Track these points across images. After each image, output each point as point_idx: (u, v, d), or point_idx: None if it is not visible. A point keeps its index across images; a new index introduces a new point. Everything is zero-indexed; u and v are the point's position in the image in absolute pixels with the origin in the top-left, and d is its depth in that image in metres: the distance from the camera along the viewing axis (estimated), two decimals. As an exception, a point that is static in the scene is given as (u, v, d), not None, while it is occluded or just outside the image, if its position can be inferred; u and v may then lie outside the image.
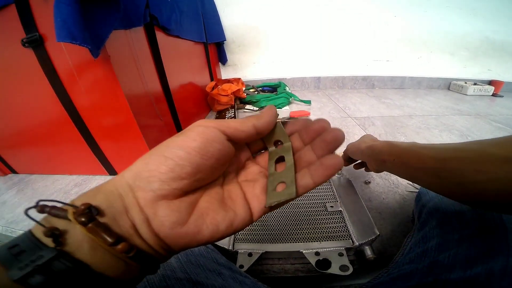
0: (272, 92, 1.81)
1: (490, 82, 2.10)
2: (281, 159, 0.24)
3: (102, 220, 0.16)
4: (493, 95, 2.01)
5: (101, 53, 0.54)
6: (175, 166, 0.18)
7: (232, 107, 1.50)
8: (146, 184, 0.18)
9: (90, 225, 0.15)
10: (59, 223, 0.16)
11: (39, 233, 0.15)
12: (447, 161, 0.31)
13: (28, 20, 0.59)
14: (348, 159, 0.62)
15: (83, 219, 0.15)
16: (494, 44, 2.02)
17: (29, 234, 0.16)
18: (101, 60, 0.58)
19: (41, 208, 0.16)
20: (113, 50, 0.60)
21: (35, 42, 0.60)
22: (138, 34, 0.77)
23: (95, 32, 0.49)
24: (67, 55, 0.60)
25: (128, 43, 0.69)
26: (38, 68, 0.65)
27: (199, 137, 0.19)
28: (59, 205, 0.17)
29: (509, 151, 0.25)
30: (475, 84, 2.04)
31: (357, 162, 0.64)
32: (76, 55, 0.60)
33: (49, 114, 0.76)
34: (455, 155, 0.30)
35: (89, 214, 0.15)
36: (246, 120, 0.22)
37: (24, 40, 0.60)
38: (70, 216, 0.15)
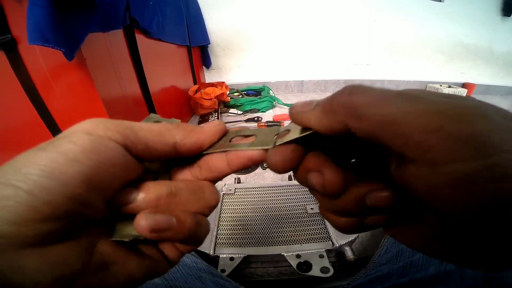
0: (256, 95, 1.82)
1: (464, 85, 2.21)
2: None
3: None
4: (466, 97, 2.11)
5: (77, 56, 0.53)
6: (37, 203, 0.11)
7: (216, 111, 1.49)
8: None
9: None
10: None
11: None
12: None
13: (0, 22, 0.56)
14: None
15: None
16: (467, 48, 2.12)
17: None
18: (76, 63, 0.57)
19: None
20: (89, 53, 0.59)
21: (7, 45, 0.58)
22: (117, 36, 0.76)
23: (70, 35, 0.48)
24: (40, 58, 0.58)
25: (106, 45, 0.67)
26: (10, 71, 0.62)
27: (84, 157, 0.12)
28: None
29: None
30: (449, 86, 2.13)
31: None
32: (50, 58, 0.58)
33: (21, 119, 0.72)
34: None
35: None
36: (166, 130, 0.15)
37: (-5, 42, 0.57)
38: None
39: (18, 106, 0.68)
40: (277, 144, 0.15)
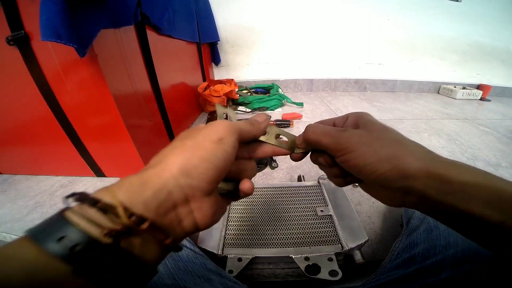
0: (265, 93, 1.81)
1: (479, 86, 2.15)
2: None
3: (148, 220, 0.17)
4: (481, 99, 2.05)
5: (88, 52, 0.53)
6: (216, 170, 0.21)
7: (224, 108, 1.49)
8: (197, 183, 0.20)
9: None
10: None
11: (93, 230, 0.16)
12: None
13: (13, 18, 0.57)
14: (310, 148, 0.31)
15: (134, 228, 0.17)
16: (482, 49, 2.06)
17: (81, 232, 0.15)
18: (88, 59, 0.57)
19: (89, 202, 0.16)
20: (101, 49, 0.59)
21: (21, 40, 0.58)
22: (128, 33, 0.76)
23: (82, 31, 0.48)
24: (53, 54, 0.58)
25: (117, 42, 0.67)
26: (23, 66, 0.63)
27: (229, 148, 0.22)
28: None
29: None
30: (464, 88, 2.08)
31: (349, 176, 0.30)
32: (62, 54, 0.58)
33: (34, 114, 0.73)
34: None
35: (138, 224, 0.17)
36: (255, 122, 0.27)
37: (9, 38, 0.58)
38: (124, 219, 0.16)
39: (31, 101, 0.70)
40: (296, 151, 0.31)
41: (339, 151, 0.25)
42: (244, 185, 0.26)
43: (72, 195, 0.16)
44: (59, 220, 0.16)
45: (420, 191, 0.21)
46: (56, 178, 0.90)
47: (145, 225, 0.17)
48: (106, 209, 0.16)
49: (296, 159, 0.31)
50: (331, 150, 0.26)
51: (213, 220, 0.22)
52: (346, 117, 0.29)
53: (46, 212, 0.73)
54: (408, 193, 0.22)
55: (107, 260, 0.15)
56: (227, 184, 0.26)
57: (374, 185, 0.26)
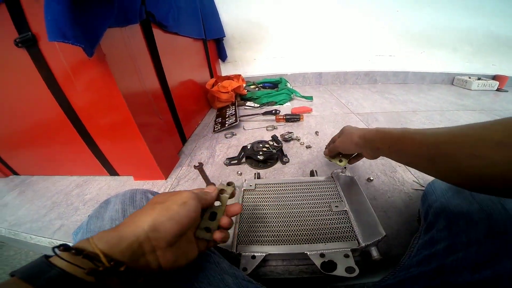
0: (273, 88, 1.79)
1: (494, 77, 2.07)
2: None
3: (125, 264, 0.23)
4: (498, 90, 1.97)
5: (96, 51, 0.53)
6: (179, 226, 0.28)
7: (233, 104, 1.48)
8: (163, 236, 0.27)
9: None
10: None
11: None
12: (441, 146, 0.31)
13: (19, 20, 0.57)
14: (336, 155, 0.66)
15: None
16: (498, 39, 1.98)
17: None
18: (96, 59, 0.57)
19: (75, 252, 0.22)
20: (108, 48, 0.59)
21: (28, 42, 0.59)
22: (134, 31, 0.76)
23: (89, 31, 0.47)
24: (61, 55, 0.58)
25: (124, 41, 0.67)
26: (33, 68, 0.64)
27: (191, 208, 0.30)
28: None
29: (503, 135, 0.25)
30: (479, 79, 2.00)
31: (352, 155, 0.65)
32: (71, 54, 0.58)
33: (46, 115, 0.75)
34: (449, 139, 0.31)
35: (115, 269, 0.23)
36: (207, 193, 0.36)
37: (17, 40, 0.59)
38: (106, 263, 0.22)
39: (42, 102, 0.71)
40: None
41: (338, 150, 0.62)
42: (216, 235, 0.34)
43: (60, 245, 0.22)
44: (45, 263, 0.21)
45: (368, 146, 0.50)
46: (71, 178, 0.92)
47: (122, 268, 0.23)
48: (91, 256, 0.22)
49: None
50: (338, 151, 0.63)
51: (175, 265, 0.28)
52: (341, 132, 0.62)
53: (63, 212, 0.74)
54: (367, 149, 0.51)
55: None
56: (206, 234, 0.33)
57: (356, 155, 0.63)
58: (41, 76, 0.65)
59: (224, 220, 0.35)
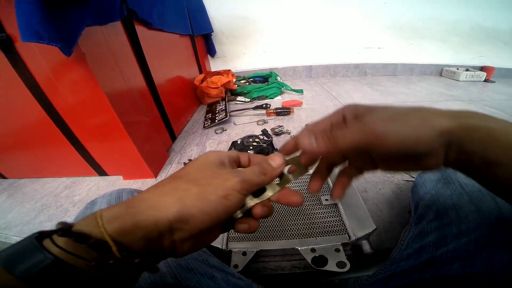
0: (264, 82, 1.78)
1: (482, 68, 2.10)
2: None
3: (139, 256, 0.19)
4: (485, 80, 2.01)
5: (75, 51, 0.51)
6: (211, 222, 0.22)
7: (223, 99, 1.47)
8: (190, 229, 0.21)
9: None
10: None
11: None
12: None
13: (-8, 21, 0.55)
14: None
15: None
16: (485, 31, 2.00)
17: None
18: (75, 58, 0.55)
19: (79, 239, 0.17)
20: (88, 47, 0.57)
21: (4, 43, 0.57)
22: (116, 29, 0.74)
23: (65, 30, 0.45)
24: (40, 56, 0.56)
25: (105, 39, 0.65)
26: (11, 70, 0.61)
27: (232, 205, 0.23)
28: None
29: None
30: (467, 70, 2.03)
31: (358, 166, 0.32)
32: (50, 55, 0.56)
33: (30, 118, 0.73)
34: None
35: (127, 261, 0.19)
36: (267, 170, 0.26)
37: (-9, 42, 0.56)
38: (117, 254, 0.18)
39: (26, 106, 0.69)
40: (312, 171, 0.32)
41: (372, 143, 0.21)
42: (256, 209, 0.27)
43: (60, 229, 0.17)
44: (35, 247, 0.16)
45: (458, 143, 0.20)
46: (60, 179, 0.90)
47: (137, 260, 0.19)
48: (99, 244, 0.17)
49: (318, 186, 0.31)
50: (363, 147, 0.22)
51: (190, 252, 0.24)
52: (342, 112, 0.26)
53: (53, 214, 0.73)
54: (449, 149, 0.21)
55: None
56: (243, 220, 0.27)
57: (401, 159, 0.22)
58: (21, 79, 0.63)
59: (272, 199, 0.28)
